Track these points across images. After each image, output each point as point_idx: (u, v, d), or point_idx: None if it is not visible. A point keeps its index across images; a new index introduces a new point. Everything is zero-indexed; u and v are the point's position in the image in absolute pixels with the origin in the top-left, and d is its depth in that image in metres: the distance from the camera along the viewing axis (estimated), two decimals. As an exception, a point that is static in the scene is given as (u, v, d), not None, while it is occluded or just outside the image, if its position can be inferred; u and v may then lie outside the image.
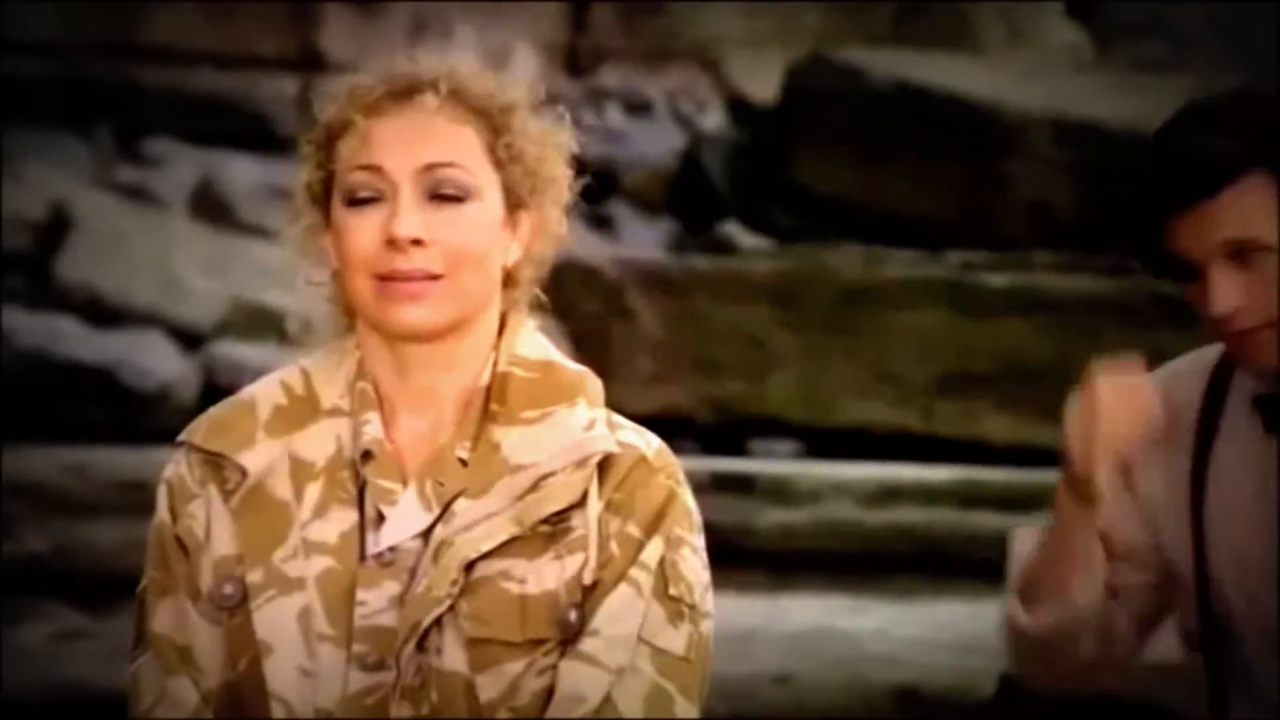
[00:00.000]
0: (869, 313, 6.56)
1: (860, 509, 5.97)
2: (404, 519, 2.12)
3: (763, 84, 7.65)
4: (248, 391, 2.19)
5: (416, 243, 2.11)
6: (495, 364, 2.16)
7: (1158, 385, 2.40)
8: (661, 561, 2.12)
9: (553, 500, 2.11)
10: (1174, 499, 2.41)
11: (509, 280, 2.17)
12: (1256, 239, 2.32)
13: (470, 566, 2.10)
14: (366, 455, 2.14)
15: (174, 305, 6.55)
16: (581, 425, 2.14)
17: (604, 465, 2.13)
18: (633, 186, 7.44)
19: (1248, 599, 2.37)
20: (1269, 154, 2.33)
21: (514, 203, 2.16)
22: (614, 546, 2.11)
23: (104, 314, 6.47)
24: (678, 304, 6.65)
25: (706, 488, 5.47)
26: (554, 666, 2.09)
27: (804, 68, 7.37)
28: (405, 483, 2.13)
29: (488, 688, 2.08)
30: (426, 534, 2.12)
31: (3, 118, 7.09)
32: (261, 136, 7.29)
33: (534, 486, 2.11)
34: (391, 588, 2.10)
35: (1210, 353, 2.46)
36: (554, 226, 2.18)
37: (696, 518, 2.16)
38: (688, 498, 2.15)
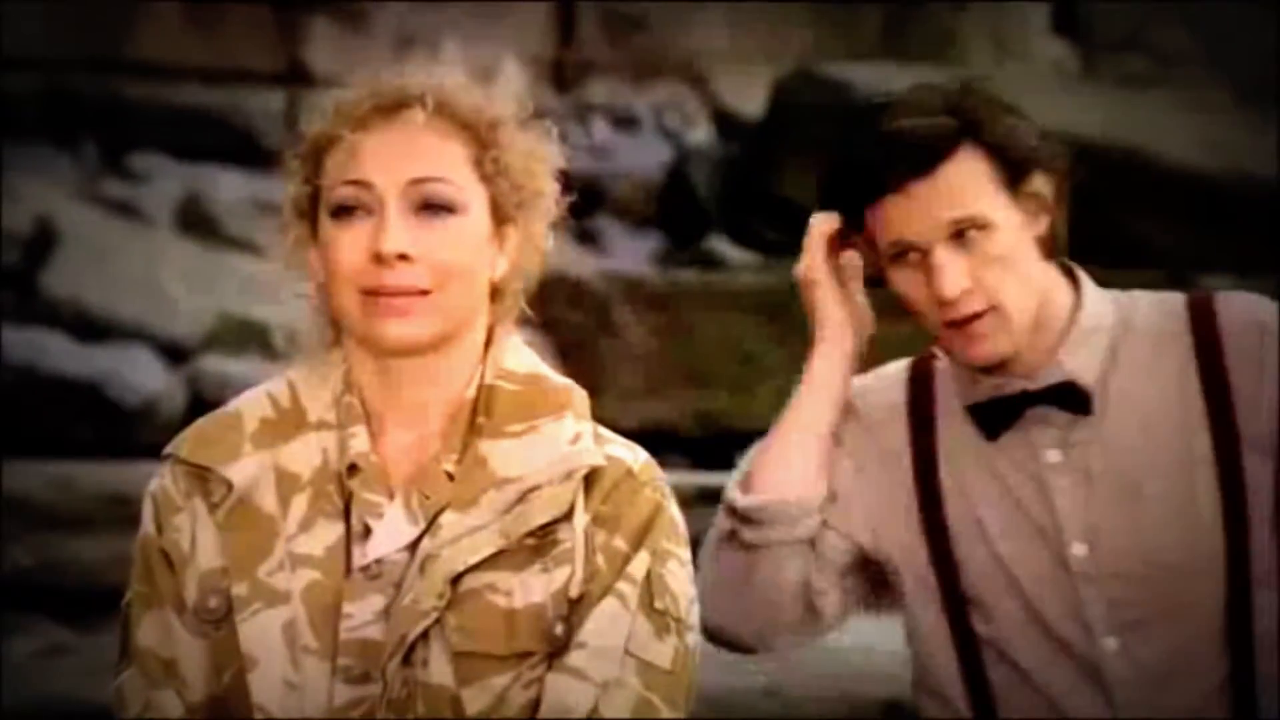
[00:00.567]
0: (855, 327, 6.54)
1: (847, 523, 5.96)
2: (390, 532, 2.12)
3: (749, 98, 7.66)
4: (234, 404, 2.19)
5: (403, 257, 2.11)
6: (482, 377, 2.16)
7: (854, 400, 2.41)
8: (648, 575, 2.12)
9: (539, 513, 2.11)
10: (896, 514, 2.39)
11: (496, 294, 2.17)
12: (977, 216, 2.30)
13: (457, 579, 2.09)
14: (353, 468, 2.14)
15: (160, 319, 6.55)
16: (568, 438, 2.14)
17: (590, 478, 2.13)
18: (619, 201, 7.45)
19: (1019, 604, 2.35)
20: (979, 128, 2.30)
21: (501, 217, 2.16)
22: (600, 559, 2.11)
23: (90, 328, 6.47)
24: (664, 318, 6.66)
25: (693, 502, 5.46)
26: (540, 679, 2.09)
27: (790, 82, 7.38)
28: (392, 496, 2.13)
29: (474, 701, 2.08)
30: (413, 547, 2.12)
31: (-11, 132, 7.09)
32: (248, 151, 7.29)
33: (520, 499, 2.11)
34: (377, 601, 2.10)
35: (894, 369, 2.45)
36: (541, 241, 2.18)
37: (683, 531, 2.16)
38: (674, 511, 2.15)
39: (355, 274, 2.12)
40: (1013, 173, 2.32)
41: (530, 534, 2.11)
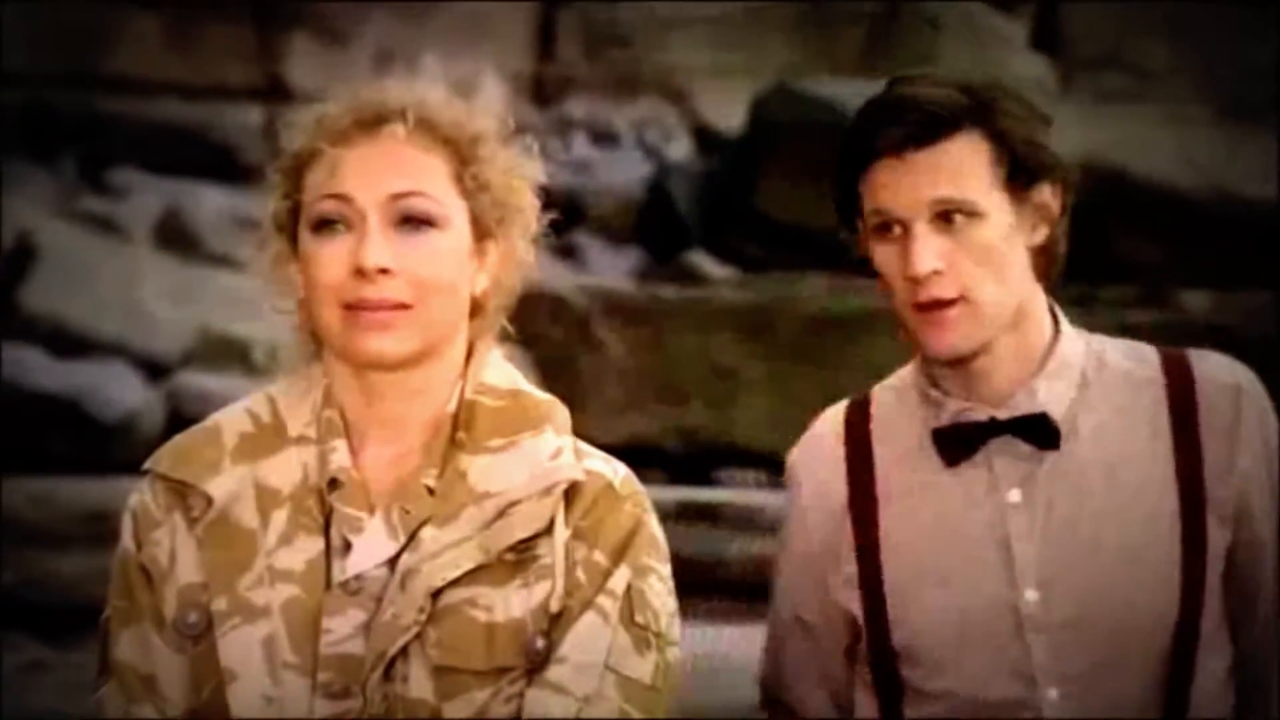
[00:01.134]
0: (836, 342, 6.57)
1: (827, 538, 5.96)
2: (370, 547, 2.12)
3: (729, 114, 7.67)
4: (214, 419, 2.18)
5: (384, 272, 2.11)
6: (462, 392, 2.16)
7: (797, 462, 2.31)
8: (628, 589, 2.12)
9: (519, 528, 2.11)
10: (835, 548, 2.29)
11: (476, 309, 2.17)
12: (965, 201, 2.21)
13: (437, 594, 2.09)
14: (333, 483, 2.14)
15: (139, 335, 6.54)
16: (548, 453, 2.14)
17: (571, 493, 2.13)
18: (599, 216, 7.46)
19: (959, 652, 2.24)
20: (991, 115, 2.23)
21: (481, 232, 2.16)
22: (581, 574, 2.11)
23: (69, 344, 6.46)
24: (644, 333, 6.66)
25: (673, 517, 5.48)
26: (521, 694, 2.09)
27: (770, 98, 7.39)
28: (372, 510, 2.13)
29: (454, 716, 2.08)
30: (393, 562, 2.11)
31: (-33, 147, 7.08)
32: (227, 166, 7.29)
33: (501, 514, 2.11)
34: (357, 616, 2.10)
35: (830, 417, 2.35)
36: (521, 256, 2.18)
37: (663, 546, 2.16)
38: (654, 526, 2.15)
39: (336, 288, 2.12)
40: (1017, 173, 2.24)
41: (510, 549, 2.11)
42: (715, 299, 6.77)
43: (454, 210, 2.14)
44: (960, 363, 2.27)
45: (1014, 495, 2.26)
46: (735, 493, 6.32)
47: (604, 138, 7.85)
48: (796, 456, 2.36)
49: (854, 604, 2.28)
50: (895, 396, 2.33)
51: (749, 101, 7.44)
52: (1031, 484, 2.26)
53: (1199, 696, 2.25)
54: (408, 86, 2.16)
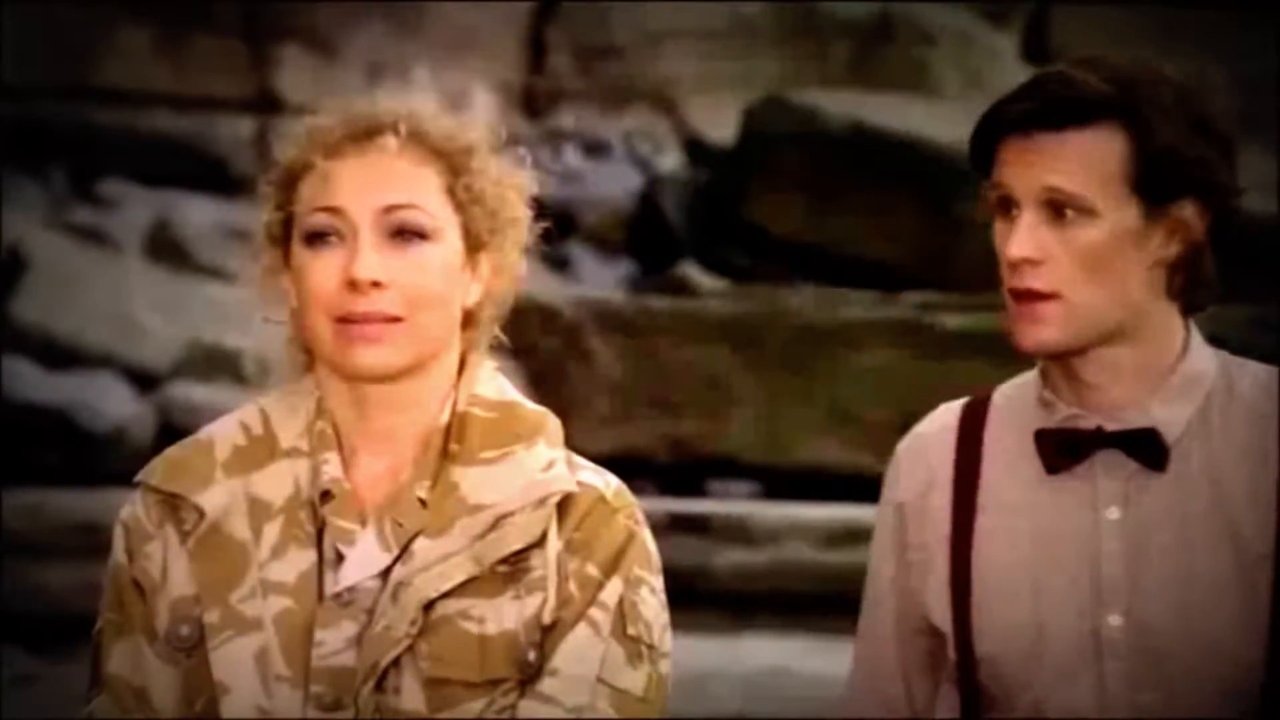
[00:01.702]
0: (826, 353, 6.57)
1: (818, 550, 5.97)
2: (363, 559, 2.12)
3: (720, 125, 7.68)
4: (205, 432, 2.18)
5: (376, 284, 2.11)
6: (454, 404, 2.16)
7: (904, 454, 2.24)
8: (620, 601, 2.12)
9: (512, 540, 2.11)
10: (934, 552, 2.21)
11: (468, 321, 2.17)
12: (1077, 196, 2.11)
13: (429, 606, 2.09)
14: (325, 495, 2.14)
15: (129, 347, 6.54)
16: (540, 465, 2.14)
17: (563, 505, 2.13)
18: (590, 227, 7.46)
19: (1035, 667, 2.16)
20: (1137, 113, 2.12)
21: (474, 244, 2.16)
22: (573, 586, 2.11)
23: (58, 355, 6.45)
24: (635, 344, 6.66)
25: (664, 528, 5.48)
26: (513, 706, 2.09)
27: (761, 109, 7.40)
28: (364, 523, 2.13)
29: (447, 728, 2.08)
30: (385, 574, 2.11)
31: (-43, 159, 7.07)
32: (217, 178, 7.29)
33: (493, 526, 2.11)
34: (350, 628, 2.10)
35: (948, 409, 2.26)
36: (513, 268, 2.18)
37: (656, 558, 2.16)
38: (647, 538, 2.15)
39: (328, 301, 2.12)
40: (1154, 181, 2.12)
41: (503, 561, 2.11)
42: (706, 310, 6.77)
43: (446, 222, 2.14)
44: (1067, 368, 2.18)
45: (1113, 512, 2.17)
46: (726, 504, 6.32)
47: (595, 149, 7.86)
48: (905, 448, 2.27)
49: (941, 607, 2.20)
50: (1014, 398, 2.23)
51: (740, 113, 7.45)
52: (1133, 504, 2.17)
53: None
54: (399, 99, 2.16)
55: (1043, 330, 2.14)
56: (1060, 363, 2.19)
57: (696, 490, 6.48)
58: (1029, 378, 2.25)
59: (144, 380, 6.44)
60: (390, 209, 2.12)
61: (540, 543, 2.11)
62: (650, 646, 2.12)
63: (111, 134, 7.48)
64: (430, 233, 2.13)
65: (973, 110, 2.29)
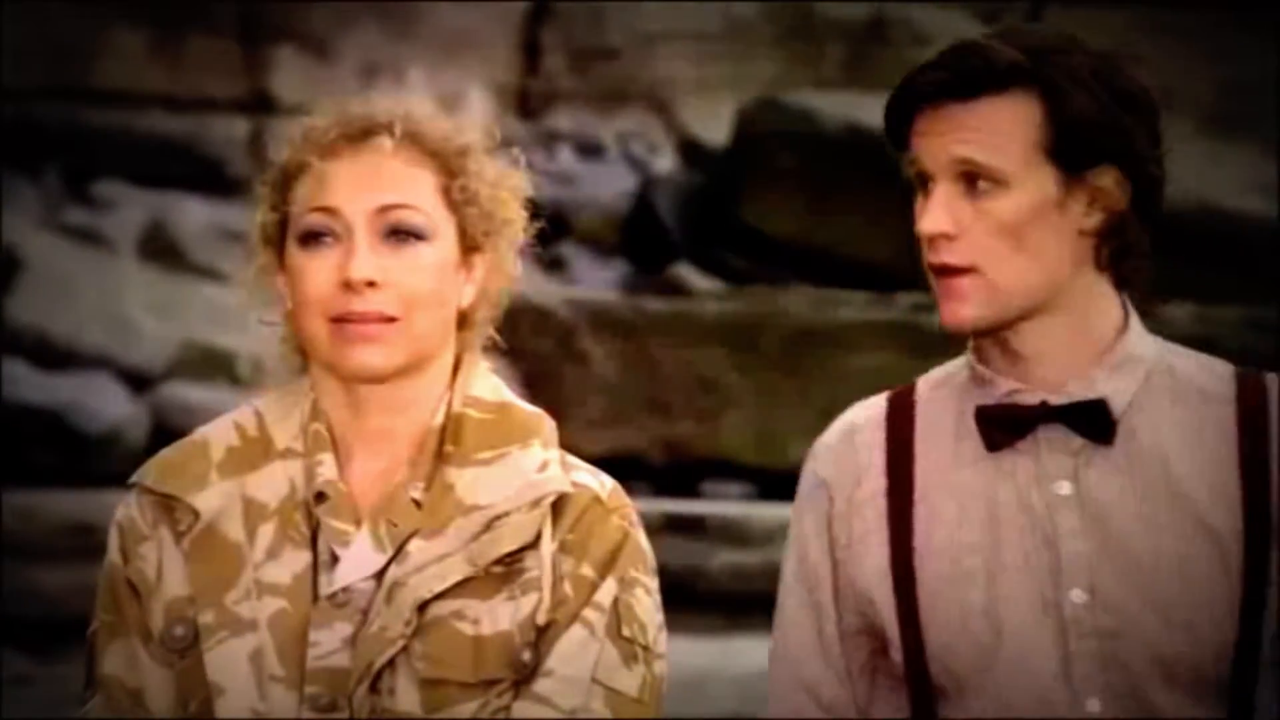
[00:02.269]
0: (820, 354, 6.58)
1: (812, 550, 5.96)
2: (357, 560, 2.12)
3: (714, 126, 7.68)
4: (200, 433, 2.19)
5: (371, 285, 2.11)
6: (450, 405, 2.16)
7: (824, 450, 2.15)
8: (615, 602, 2.12)
9: (506, 541, 2.11)
10: (871, 545, 2.13)
11: (463, 322, 2.18)
12: (990, 166, 2.05)
13: (424, 607, 2.09)
14: (320, 496, 2.14)
15: (123, 347, 6.54)
16: (535, 466, 2.14)
17: (558, 506, 2.13)
18: (585, 228, 7.46)
19: (996, 653, 2.08)
20: (1045, 78, 2.05)
21: (469, 245, 2.16)
22: (568, 587, 2.11)
23: (53, 356, 6.45)
24: (630, 345, 6.67)
25: (658, 529, 5.48)
26: (508, 707, 2.09)
27: (755, 111, 7.41)
28: (359, 523, 2.13)
29: (441, 729, 2.08)
30: (380, 575, 2.11)
31: (-48, 160, 7.07)
32: (212, 178, 7.29)
33: (488, 527, 2.11)
34: (344, 628, 2.10)
35: (873, 401, 2.19)
36: (508, 269, 2.18)
37: (650, 559, 2.16)
38: (641, 539, 2.15)
39: (323, 301, 2.12)
40: (1070, 148, 2.05)
41: (498, 561, 2.11)
42: (700, 311, 6.77)
43: (441, 223, 2.14)
44: (1002, 344, 2.12)
45: (1063, 488, 2.10)
46: (720, 505, 6.33)
47: (589, 150, 7.86)
48: (825, 445, 2.19)
49: (886, 601, 2.12)
50: (943, 384, 2.18)
51: (734, 114, 7.46)
52: (1083, 478, 2.10)
53: None
54: (394, 100, 2.16)
55: (962, 307, 2.09)
56: (995, 338, 2.13)
57: (691, 491, 6.49)
58: (955, 363, 2.19)
59: (139, 381, 6.44)
60: (385, 209, 2.12)
61: (535, 543, 2.11)
62: (645, 647, 2.12)
63: (106, 135, 7.48)
64: (425, 233, 2.13)
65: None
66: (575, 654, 2.09)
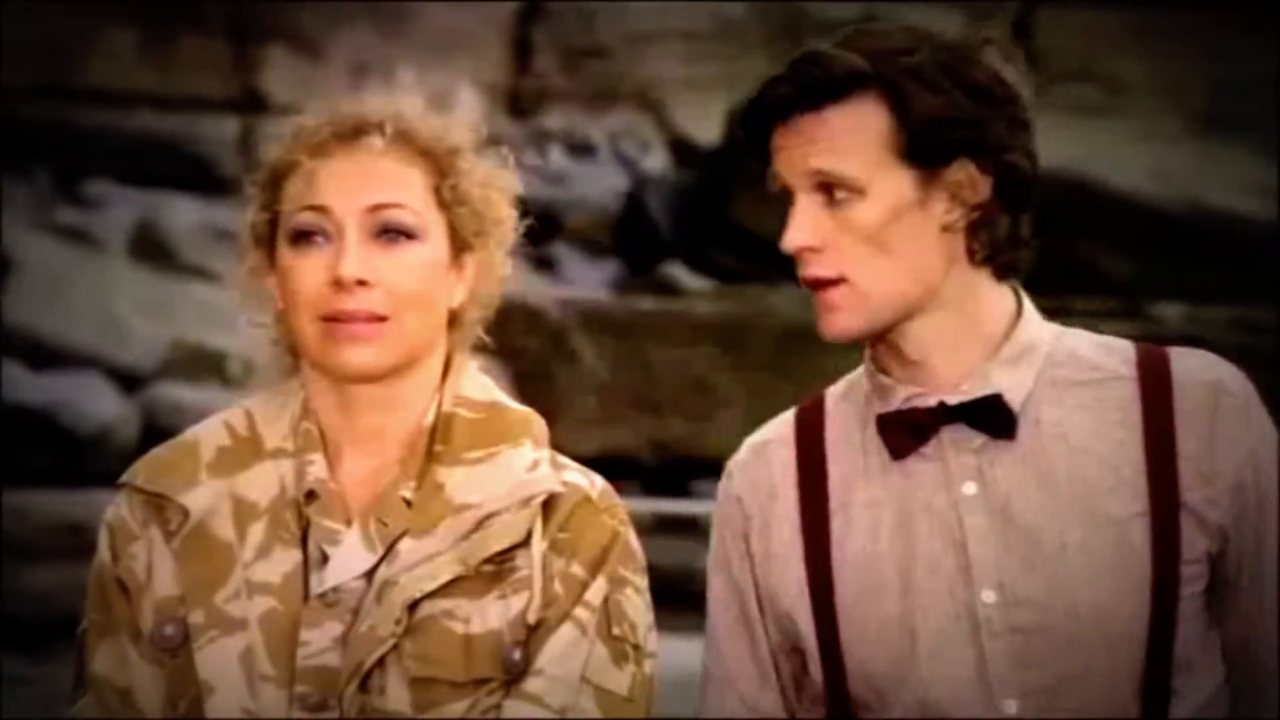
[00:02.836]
0: (812, 354, 6.57)
1: (803, 550, 5.98)
2: (348, 559, 2.12)
3: (705, 126, 7.69)
4: (191, 432, 2.19)
5: (362, 284, 2.11)
6: (440, 404, 2.16)
7: (738, 469, 2.17)
8: (605, 601, 2.12)
9: (497, 540, 2.11)
10: (788, 561, 2.13)
11: (454, 321, 2.18)
12: (844, 176, 2.05)
13: (414, 606, 2.09)
14: (310, 495, 2.14)
15: (114, 347, 6.53)
16: (525, 466, 2.14)
17: (548, 505, 2.13)
18: (576, 228, 7.47)
19: (911, 658, 2.07)
20: (887, 81, 2.04)
21: (459, 244, 2.16)
22: (558, 586, 2.11)
23: (44, 356, 6.45)
24: (621, 345, 6.67)
25: (649, 529, 5.48)
26: (498, 706, 2.09)
27: (746, 110, 7.39)
28: (349, 523, 2.13)
29: (432, 728, 2.08)
30: (370, 574, 2.11)
31: (-58, 159, 7.07)
32: (202, 178, 7.29)
33: (478, 526, 2.11)
34: (335, 628, 2.10)
35: (781, 419, 2.20)
36: (499, 268, 2.18)
37: (640, 558, 2.16)
38: (632, 538, 2.16)
39: (313, 300, 2.12)
40: (921, 147, 2.05)
41: (488, 561, 2.11)
42: (692, 311, 6.78)
43: (432, 222, 2.14)
44: (893, 349, 2.12)
45: (969, 488, 2.09)
46: (711, 505, 6.32)
47: (580, 150, 7.86)
48: (739, 463, 2.20)
49: (805, 618, 2.12)
50: (848, 395, 2.18)
51: (725, 114, 7.46)
52: (987, 476, 2.09)
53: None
54: (385, 99, 2.17)
55: (838, 318, 2.10)
56: (886, 344, 2.12)
57: (682, 491, 6.49)
58: (857, 373, 2.19)
59: (129, 381, 6.44)
60: (376, 208, 2.13)
61: (525, 543, 2.11)
62: (635, 646, 2.12)
63: (97, 134, 7.48)
64: (416, 232, 2.13)
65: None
66: (566, 653, 2.09)
